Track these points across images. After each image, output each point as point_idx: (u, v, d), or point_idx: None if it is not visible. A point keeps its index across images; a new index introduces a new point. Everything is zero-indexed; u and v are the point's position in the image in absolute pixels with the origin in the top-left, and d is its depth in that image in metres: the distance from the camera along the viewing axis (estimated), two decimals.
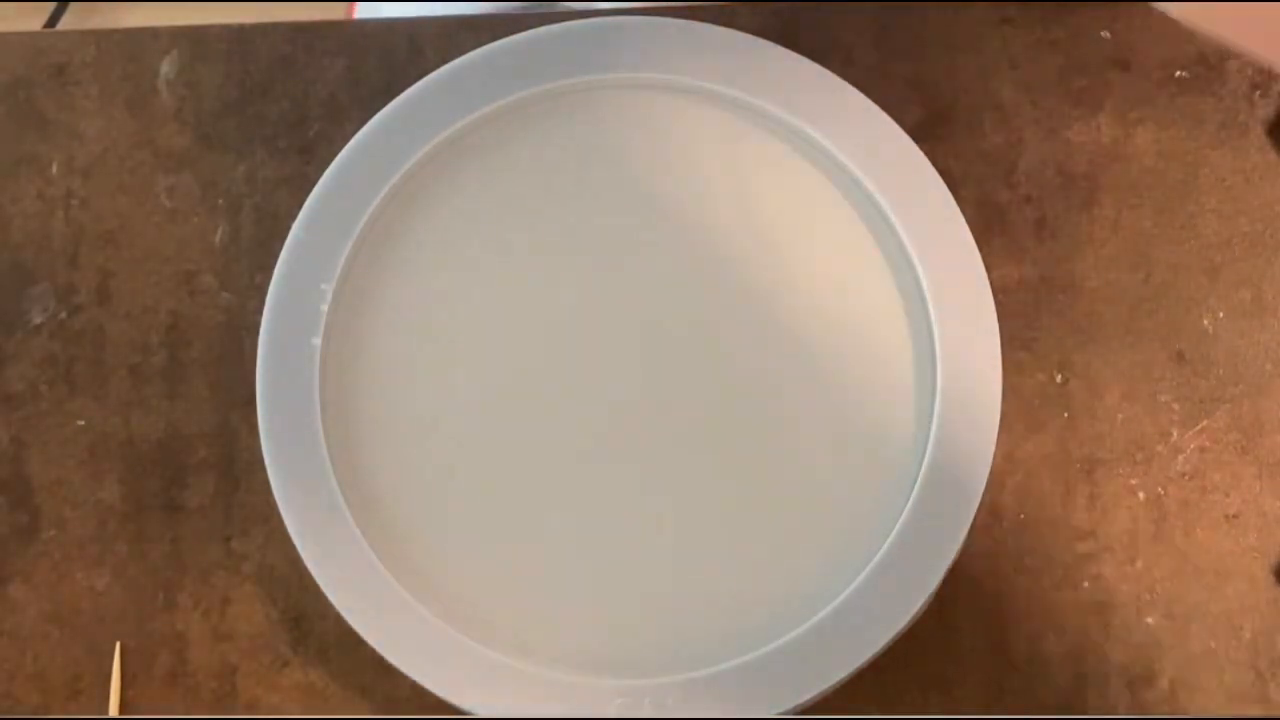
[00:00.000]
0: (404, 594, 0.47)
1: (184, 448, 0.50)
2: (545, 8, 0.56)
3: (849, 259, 0.50)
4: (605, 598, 0.47)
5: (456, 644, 0.46)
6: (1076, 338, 0.50)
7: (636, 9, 0.53)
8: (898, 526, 0.46)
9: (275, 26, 0.55)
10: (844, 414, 0.49)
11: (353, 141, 0.52)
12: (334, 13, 0.78)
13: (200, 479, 0.50)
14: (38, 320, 0.52)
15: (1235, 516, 0.48)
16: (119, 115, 0.54)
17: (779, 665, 0.45)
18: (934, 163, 0.50)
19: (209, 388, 0.51)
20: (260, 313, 0.50)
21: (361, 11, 0.77)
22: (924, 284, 0.49)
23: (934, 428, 0.47)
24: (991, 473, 0.47)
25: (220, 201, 0.53)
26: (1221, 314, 0.50)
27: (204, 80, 0.54)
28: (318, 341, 0.49)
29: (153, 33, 0.55)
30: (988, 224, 0.51)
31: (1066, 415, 0.49)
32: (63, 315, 0.52)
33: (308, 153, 0.53)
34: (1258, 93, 0.52)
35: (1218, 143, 0.52)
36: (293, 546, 0.47)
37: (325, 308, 0.50)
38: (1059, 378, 0.49)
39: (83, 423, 0.51)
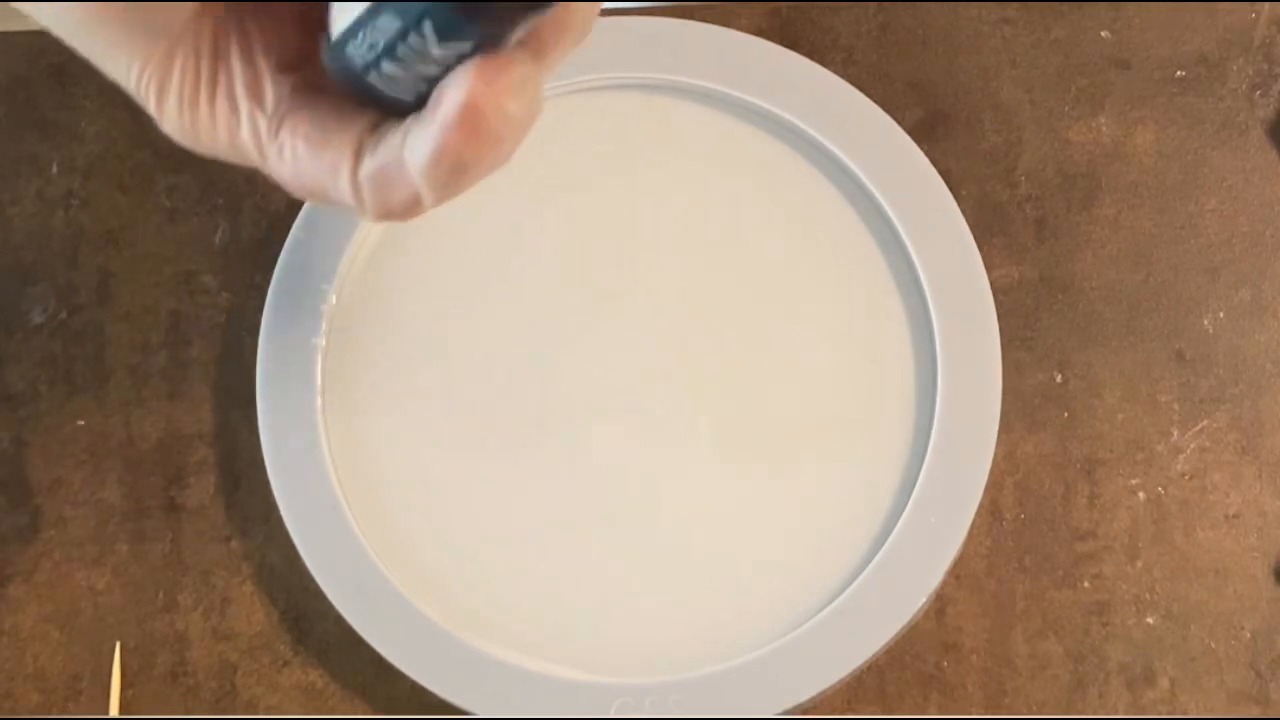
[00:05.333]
0: (404, 594, 0.47)
1: (184, 448, 0.50)
2: (548, 8, 0.56)
3: (849, 259, 0.50)
4: (605, 598, 0.47)
5: (456, 644, 0.46)
6: (1076, 338, 0.50)
7: (636, 9, 0.53)
8: (898, 526, 0.46)
9: None
10: (844, 414, 0.49)
11: None
12: None
13: (200, 479, 0.50)
14: (38, 320, 0.52)
15: (1235, 516, 0.48)
16: (119, 115, 0.54)
17: (779, 665, 0.45)
18: (934, 163, 0.50)
19: (209, 388, 0.51)
20: (260, 313, 0.50)
21: None
22: (924, 284, 0.49)
23: (934, 428, 0.47)
24: (991, 473, 0.47)
25: (220, 201, 0.53)
26: (1221, 314, 0.50)
27: None
28: (318, 341, 0.49)
29: None
30: (988, 224, 0.51)
31: (1066, 415, 0.49)
32: (63, 315, 0.52)
33: None
34: (1258, 93, 0.52)
35: (1218, 143, 0.52)
36: (293, 546, 0.47)
37: (325, 308, 0.50)
38: (1059, 378, 0.49)
39: (83, 423, 0.51)
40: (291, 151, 0.35)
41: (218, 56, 0.36)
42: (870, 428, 0.48)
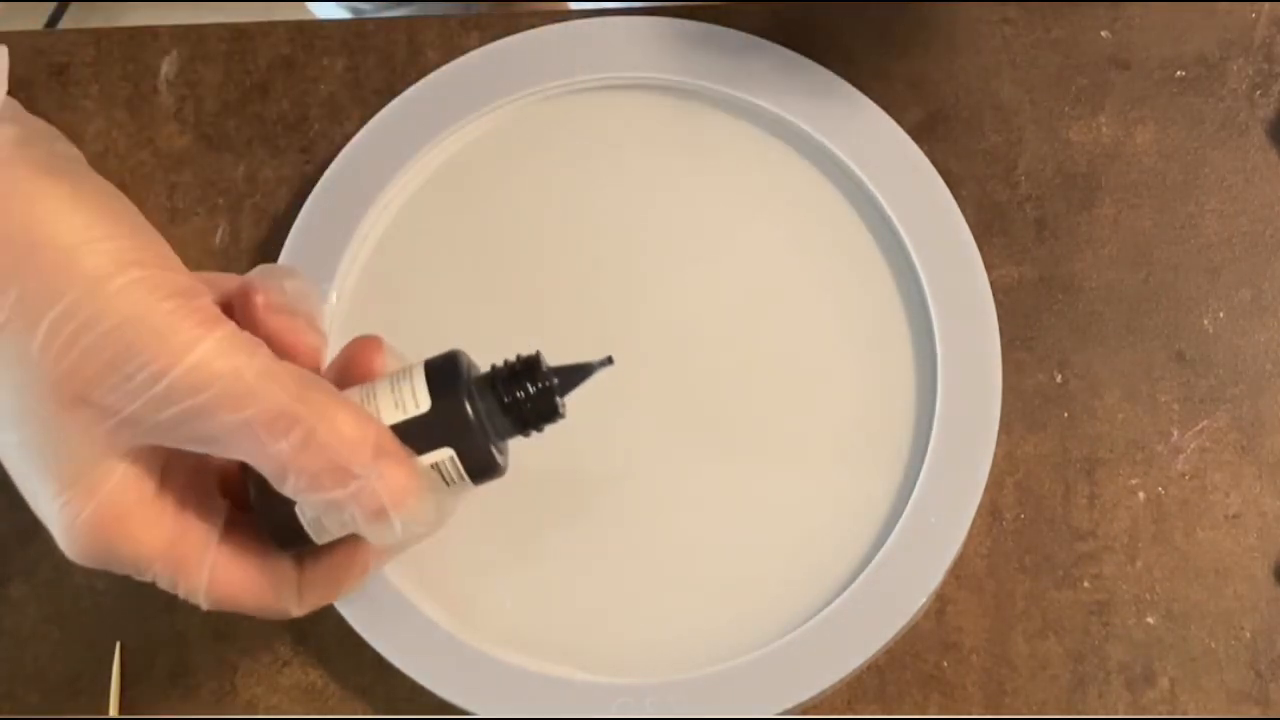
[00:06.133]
0: (404, 594, 0.47)
1: None
2: (546, 7, 0.56)
3: (849, 259, 0.50)
4: (605, 598, 0.47)
5: (456, 644, 0.46)
6: (1076, 338, 0.50)
7: (636, 9, 0.53)
8: (898, 527, 0.46)
9: (275, 26, 0.55)
10: (844, 414, 0.49)
11: (353, 141, 0.52)
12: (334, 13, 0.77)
13: None
14: None
15: (1235, 516, 0.48)
16: (119, 115, 0.54)
17: (779, 665, 0.45)
18: (934, 163, 0.50)
19: None
20: None
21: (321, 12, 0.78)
22: (924, 284, 0.49)
23: (934, 428, 0.47)
24: (991, 473, 0.47)
25: (220, 201, 0.53)
26: (1221, 314, 0.50)
27: (204, 80, 0.54)
28: None
29: (153, 33, 0.55)
30: (988, 224, 0.51)
31: (1066, 415, 0.49)
32: None
33: (308, 153, 0.53)
34: (1258, 93, 0.52)
35: (1218, 143, 0.52)
36: None
37: (325, 308, 0.50)
38: (1059, 378, 0.49)
39: None
40: (239, 565, 0.38)
41: (165, 471, 0.37)
42: (870, 428, 0.48)
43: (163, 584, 0.38)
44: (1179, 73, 0.52)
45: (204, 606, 0.38)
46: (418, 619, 0.46)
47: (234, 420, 0.35)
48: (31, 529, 0.50)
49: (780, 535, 0.48)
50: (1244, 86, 0.52)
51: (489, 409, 0.39)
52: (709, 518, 0.48)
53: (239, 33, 0.55)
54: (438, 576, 0.47)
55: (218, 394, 0.35)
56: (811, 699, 0.46)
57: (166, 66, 0.55)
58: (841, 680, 0.46)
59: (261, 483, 0.38)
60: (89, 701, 0.48)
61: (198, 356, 0.34)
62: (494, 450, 0.40)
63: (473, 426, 0.39)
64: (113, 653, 0.48)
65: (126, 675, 0.48)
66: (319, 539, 0.39)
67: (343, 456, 0.36)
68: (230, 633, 0.48)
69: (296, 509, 0.38)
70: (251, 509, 0.39)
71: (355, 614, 0.47)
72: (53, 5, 1.37)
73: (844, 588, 0.46)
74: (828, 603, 0.46)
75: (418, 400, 0.39)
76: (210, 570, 0.37)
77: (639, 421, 0.49)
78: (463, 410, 0.39)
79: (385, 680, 0.47)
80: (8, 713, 0.48)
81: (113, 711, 0.48)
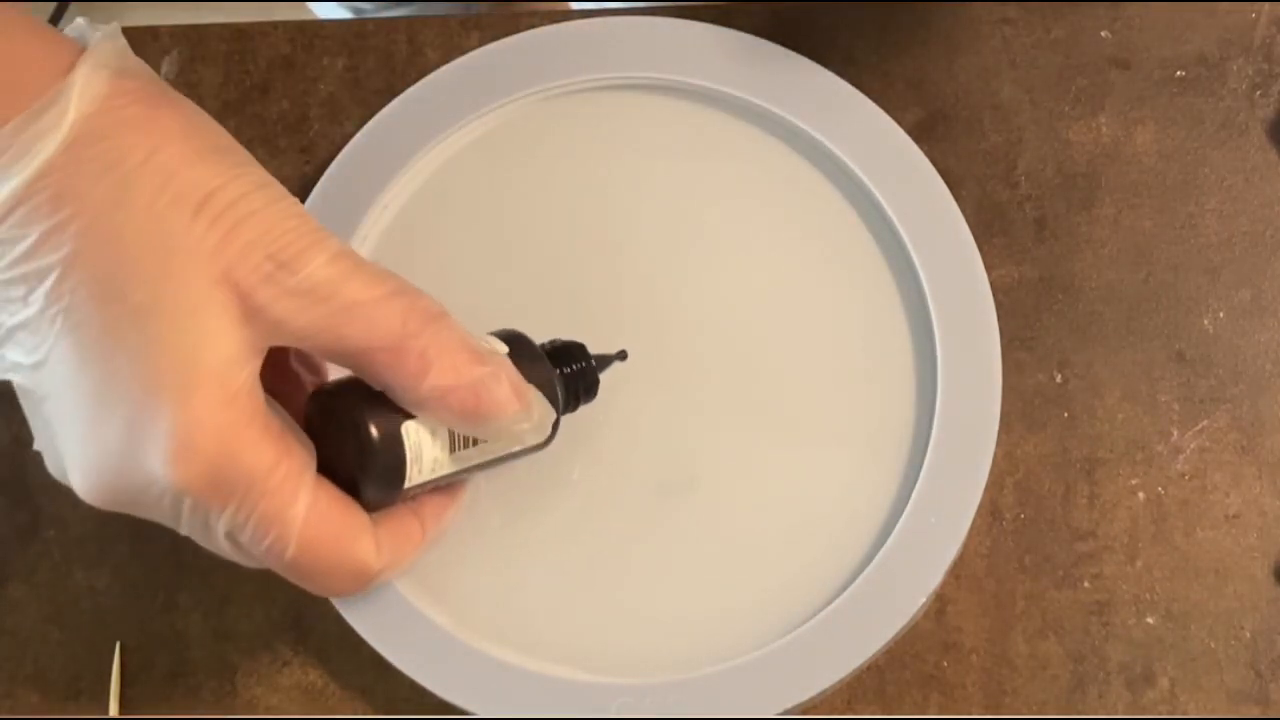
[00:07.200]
0: (404, 594, 0.47)
1: None
2: (546, 7, 0.56)
3: (849, 259, 0.50)
4: (606, 598, 0.47)
5: (456, 644, 0.46)
6: (1076, 338, 0.50)
7: (636, 9, 0.53)
8: (898, 527, 0.46)
9: (275, 26, 0.55)
10: (844, 413, 0.49)
11: (353, 141, 0.52)
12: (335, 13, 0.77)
13: None
14: None
15: (1235, 516, 0.48)
16: None
17: (779, 665, 0.45)
18: (934, 163, 0.50)
19: None
20: None
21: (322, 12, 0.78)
22: (924, 284, 0.49)
23: (934, 428, 0.47)
24: (991, 473, 0.47)
25: None
26: (1221, 314, 0.50)
27: (204, 80, 0.54)
28: None
29: (153, 33, 0.55)
30: (988, 224, 0.51)
31: (1066, 415, 0.49)
32: None
33: (307, 153, 0.53)
34: (1258, 93, 0.52)
35: (1218, 143, 0.52)
36: None
37: None
38: (1059, 378, 0.49)
39: None
40: (327, 504, 0.38)
41: (266, 404, 0.37)
42: (870, 427, 0.48)
43: (254, 523, 0.36)
44: (1179, 73, 0.52)
45: (289, 551, 0.37)
46: (418, 619, 0.46)
47: (372, 299, 0.37)
48: (31, 529, 0.50)
49: (779, 535, 0.48)
50: (1244, 86, 0.52)
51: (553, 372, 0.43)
52: (708, 517, 0.48)
53: (239, 33, 0.55)
54: (438, 576, 0.47)
55: (357, 282, 0.37)
56: (811, 699, 0.46)
57: (166, 66, 0.54)
58: (841, 680, 0.46)
59: (362, 407, 0.38)
60: (89, 701, 0.48)
61: (332, 250, 0.37)
62: (559, 407, 0.43)
63: (546, 375, 0.42)
64: (113, 653, 0.48)
65: (126, 675, 0.48)
66: (413, 475, 0.40)
67: (471, 342, 0.39)
68: (230, 632, 0.48)
69: (403, 429, 0.39)
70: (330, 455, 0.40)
71: (355, 614, 0.47)
72: (52, 5, 1.37)
73: (844, 588, 0.46)
74: (828, 603, 0.46)
75: (495, 349, 0.41)
76: (308, 499, 0.37)
77: (637, 422, 0.49)
78: (538, 360, 0.42)
79: (385, 680, 0.47)
80: (8, 712, 0.48)
81: (113, 711, 0.48)
